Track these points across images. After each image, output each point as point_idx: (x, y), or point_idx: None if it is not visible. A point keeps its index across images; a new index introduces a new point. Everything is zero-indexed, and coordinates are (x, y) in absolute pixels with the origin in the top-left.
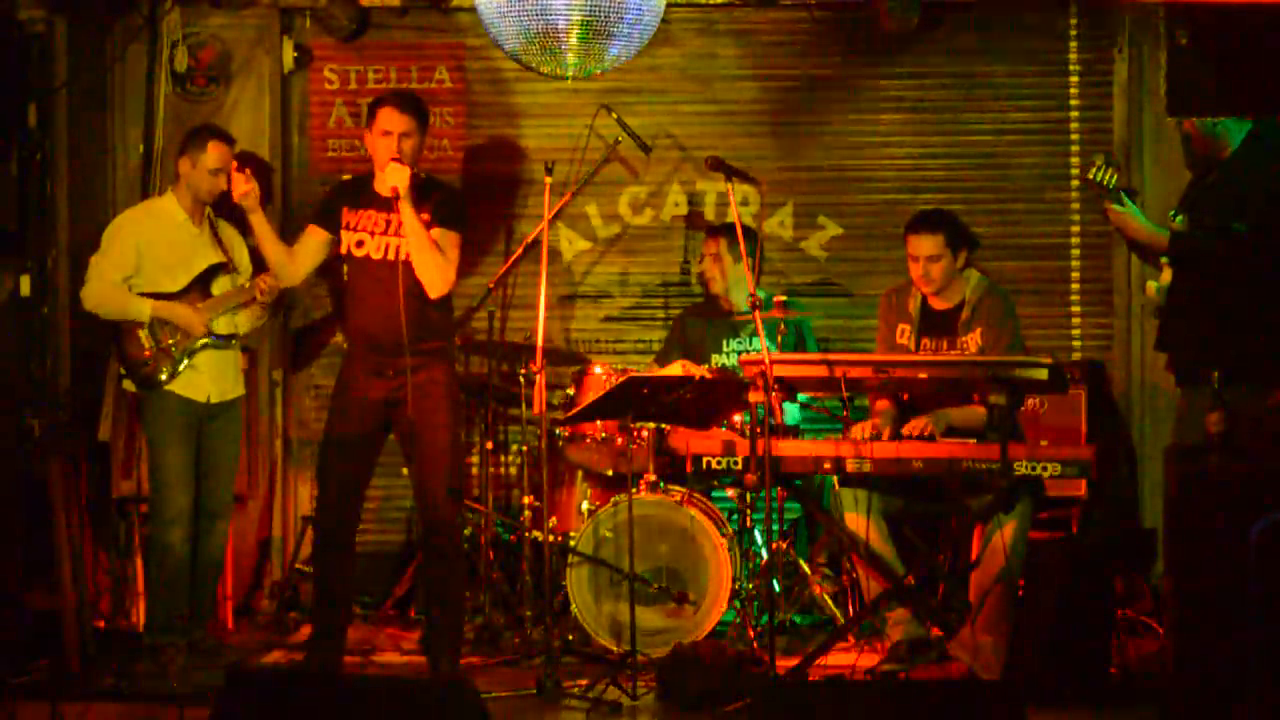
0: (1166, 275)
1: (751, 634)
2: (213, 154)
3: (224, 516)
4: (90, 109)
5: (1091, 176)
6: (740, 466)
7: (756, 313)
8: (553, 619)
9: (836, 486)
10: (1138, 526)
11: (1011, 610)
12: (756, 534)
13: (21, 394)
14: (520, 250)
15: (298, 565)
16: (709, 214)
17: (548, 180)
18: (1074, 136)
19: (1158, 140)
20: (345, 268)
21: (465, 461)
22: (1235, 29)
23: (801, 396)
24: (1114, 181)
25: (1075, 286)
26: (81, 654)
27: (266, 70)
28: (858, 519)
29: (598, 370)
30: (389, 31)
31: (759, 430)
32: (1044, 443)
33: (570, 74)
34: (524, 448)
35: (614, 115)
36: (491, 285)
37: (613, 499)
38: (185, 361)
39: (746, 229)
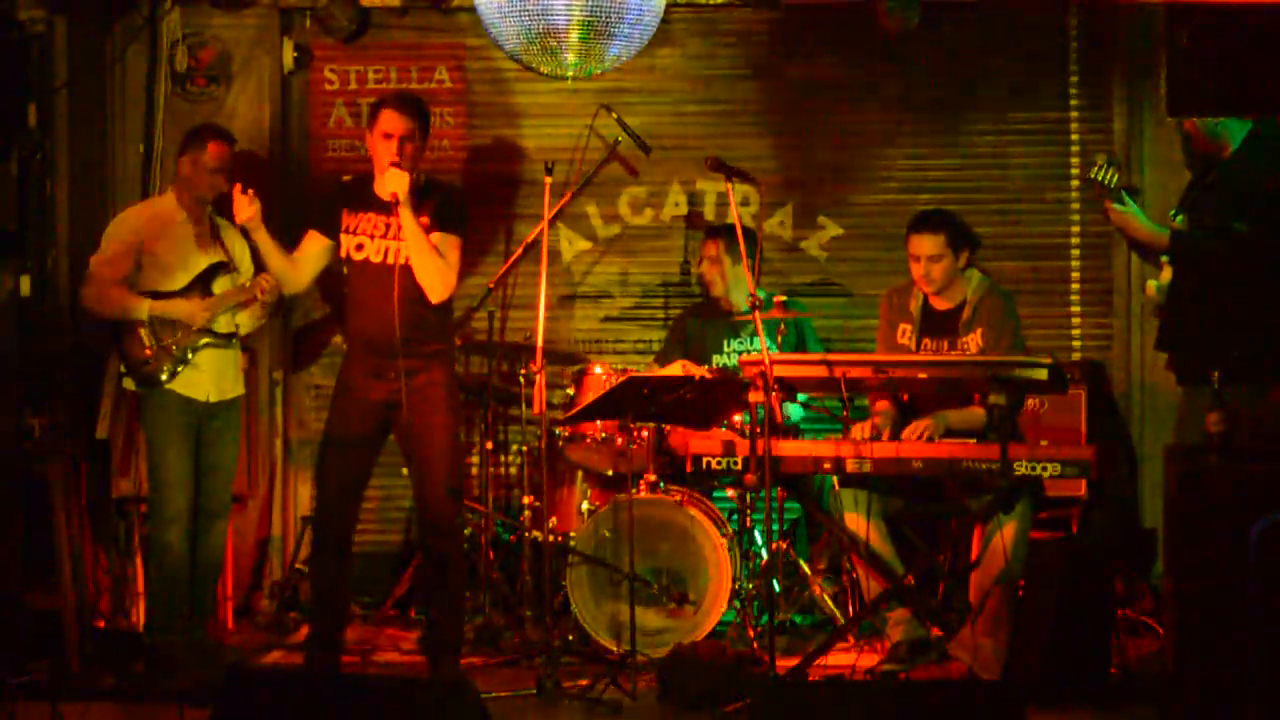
0: (1166, 275)
1: (751, 634)
2: (213, 153)
3: (223, 516)
4: (90, 109)
5: (1093, 176)
6: (740, 466)
7: (756, 313)
8: (553, 619)
9: (836, 486)
10: (1138, 526)
11: (1011, 610)
12: (756, 534)
13: (21, 394)
14: (520, 250)
15: (297, 565)
16: (709, 214)
17: (548, 180)
18: (1074, 136)
19: (1158, 140)
20: (345, 270)
21: (465, 461)
22: (1235, 29)
23: (801, 396)
24: (1115, 181)
25: (1075, 286)
26: (81, 654)
27: (266, 70)
28: (858, 519)
29: (598, 370)
30: (389, 31)
31: (759, 430)
32: (1044, 443)
33: (570, 74)
34: (524, 448)
35: (614, 115)
36: (491, 285)
37: (613, 499)
38: (186, 360)
39: (745, 229)
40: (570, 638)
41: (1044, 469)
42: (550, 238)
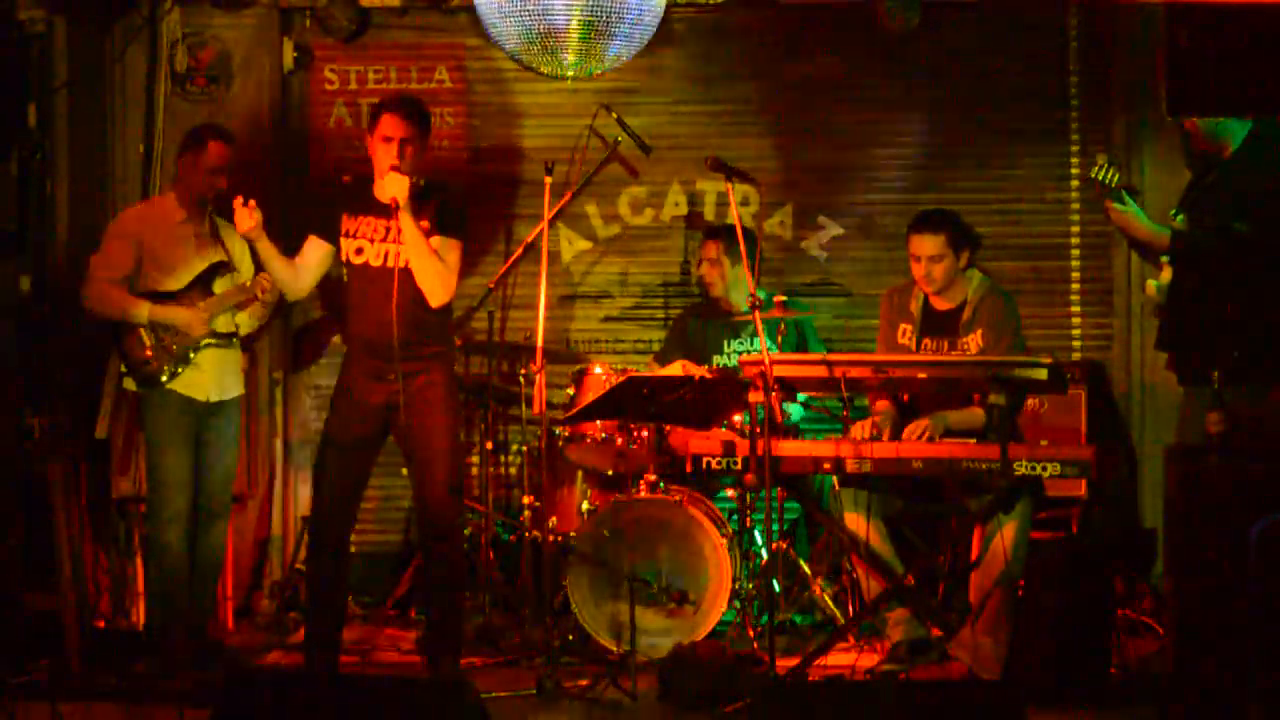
0: (1167, 274)
1: (751, 634)
2: (213, 153)
3: (223, 516)
4: (90, 109)
5: (1093, 175)
6: (740, 466)
7: (756, 313)
8: (553, 619)
9: (836, 486)
10: (1138, 526)
11: (1011, 610)
12: (756, 534)
13: (21, 394)
14: (520, 250)
15: (297, 565)
16: (709, 214)
17: (548, 180)
18: (1074, 136)
19: (1158, 140)
20: (345, 273)
21: (465, 461)
22: (1235, 29)
23: (801, 396)
24: (1115, 180)
25: (1075, 286)
26: (81, 654)
27: (266, 70)
28: (858, 519)
29: (598, 370)
30: (389, 31)
31: (759, 430)
32: (1044, 443)
33: (570, 74)
34: (524, 448)
35: (614, 115)
36: (491, 285)
37: (613, 499)
38: (187, 360)
39: (745, 230)
40: (570, 638)
41: (1044, 469)
42: (550, 238)
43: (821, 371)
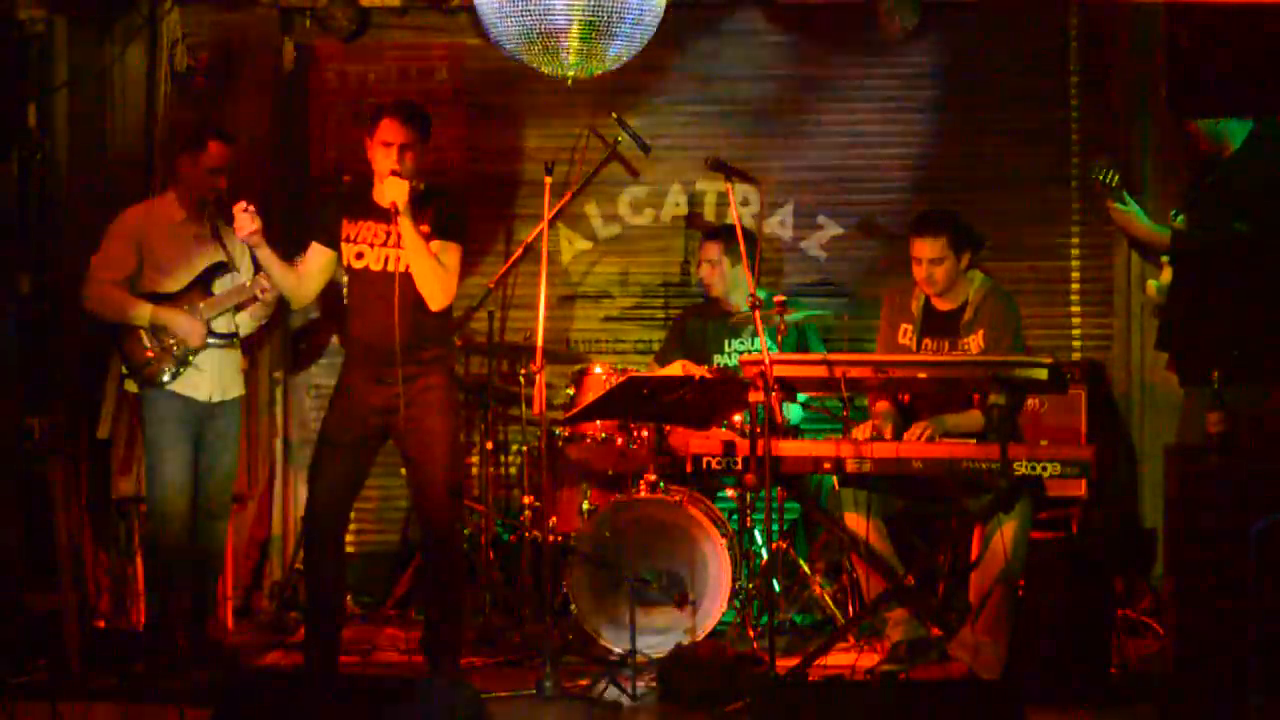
0: (1167, 274)
1: (751, 634)
2: (213, 153)
3: (223, 516)
4: (90, 109)
5: (1094, 175)
6: (740, 466)
7: (756, 313)
8: (553, 619)
9: (836, 486)
10: (1138, 526)
11: (1011, 610)
12: (756, 534)
13: (21, 394)
14: (520, 251)
15: (297, 565)
16: (709, 214)
17: (548, 180)
18: (1074, 136)
19: (1158, 140)
20: (345, 277)
21: (465, 462)
22: (1235, 29)
23: (802, 397)
24: (1116, 181)
25: (1075, 286)
26: (81, 654)
27: (267, 70)
28: (858, 519)
29: (598, 370)
30: (389, 31)
31: (759, 430)
32: (1044, 443)
33: (570, 74)
34: (524, 448)
35: (614, 115)
36: (491, 285)
37: (613, 499)
38: (187, 360)
39: (745, 230)
40: (570, 638)
41: (1044, 469)
42: (550, 238)
43: (821, 371)
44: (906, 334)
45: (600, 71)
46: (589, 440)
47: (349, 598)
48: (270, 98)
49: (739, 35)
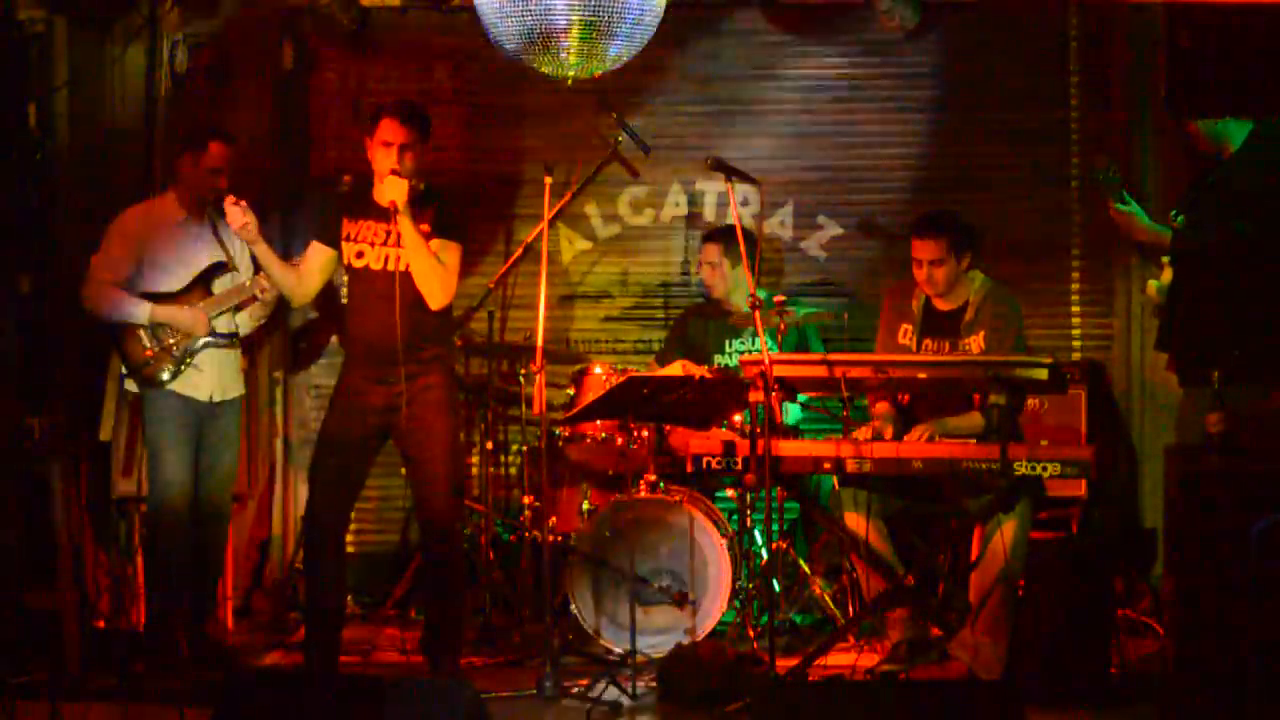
0: (1167, 274)
1: (751, 634)
2: (213, 153)
3: (224, 516)
4: (90, 109)
5: (1096, 176)
6: (740, 466)
7: (756, 313)
8: (553, 619)
9: (836, 486)
10: (1138, 526)
11: (1011, 610)
12: (756, 534)
13: (21, 394)
14: (520, 251)
15: (297, 565)
16: (709, 214)
17: (548, 180)
18: (1074, 136)
19: (1158, 140)
20: (346, 277)
21: (465, 462)
22: (1235, 29)
23: (801, 397)
24: (1118, 181)
25: (1075, 286)
26: (81, 654)
27: (266, 70)
28: (858, 519)
29: (598, 370)
30: (389, 31)
31: (759, 430)
32: (1044, 443)
33: (570, 74)
34: (524, 448)
35: (614, 115)
36: (491, 285)
37: (613, 499)
38: (187, 361)
39: (744, 231)
40: (570, 637)
41: (1044, 469)
42: (550, 238)
43: (821, 371)
44: (907, 334)
45: (600, 71)
46: (589, 440)
47: (349, 598)
48: (270, 98)
49: (739, 35)
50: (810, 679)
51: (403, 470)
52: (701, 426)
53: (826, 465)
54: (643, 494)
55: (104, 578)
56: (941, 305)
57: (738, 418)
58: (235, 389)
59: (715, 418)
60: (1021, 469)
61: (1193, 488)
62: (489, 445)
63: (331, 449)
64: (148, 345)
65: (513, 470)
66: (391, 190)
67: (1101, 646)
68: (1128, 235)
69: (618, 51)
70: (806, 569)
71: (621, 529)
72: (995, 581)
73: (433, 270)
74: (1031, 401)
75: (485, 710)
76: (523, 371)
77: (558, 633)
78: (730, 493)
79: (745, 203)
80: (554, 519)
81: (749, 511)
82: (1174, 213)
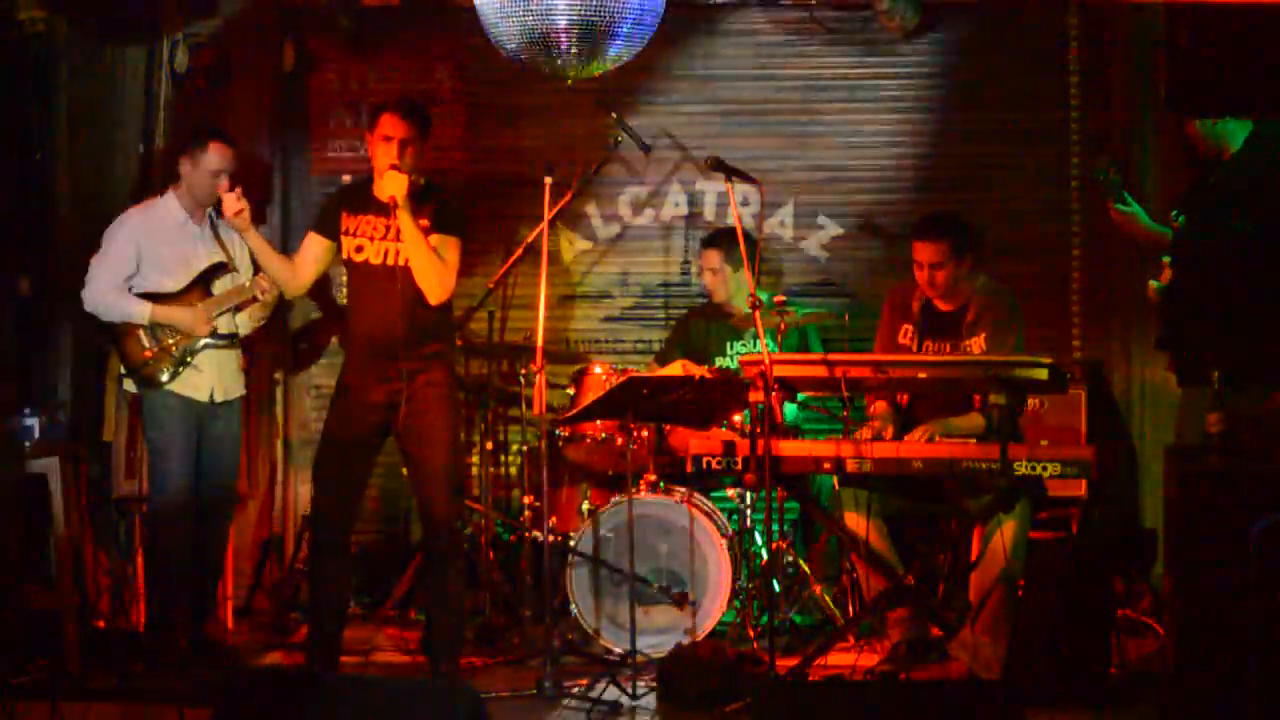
0: (1167, 275)
1: (751, 634)
2: (214, 154)
3: (224, 516)
4: (90, 109)
5: (1097, 175)
6: (740, 466)
7: (756, 313)
8: (553, 619)
9: (836, 486)
10: (1138, 526)
11: (1011, 610)
12: (756, 534)
13: (21, 394)
14: (520, 251)
15: (298, 565)
16: (709, 214)
17: (548, 180)
18: (1074, 136)
19: (1158, 140)
20: (346, 272)
21: (465, 461)
22: (1235, 29)
23: (801, 396)
24: (1118, 181)
25: (1075, 286)
26: (81, 654)
27: (266, 70)
28: (858, 519)
29: (598, 370)
30: (389, 31)
31: (759, 430)
32: (1044, 443)
33: (570, 74)
34: (524, 448)
35: (614, 115)
36: (491, 285)
37: (613, 499)
38: (186, 361)
39: (744, 232)
40: (570, 637)
41: (1044, 469)
42: (550, 238)
43: (821, 371)
44: (907, 334)
45: (600, 71)
46: (589, 440)
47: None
48: (270, 98)
49: (739, 35)
50: (810, 679)
51: (403, 470)
52: (701, 426)
53: (826, 465)
54: (643, 494)
55: (104, 578)
56: (942, 306)
57: (738, 418)
58: (235, 389)
59: (715, 418)
60: (1021, 469)
61: (1193, 488)
62: (489, 445)
63: (334, 448)
64: (147, 345)
65: (513, 470)
66: (391, 185)
67: (1101, 646)
68: (1128, 235)
69: (618, 51)
70: (806, 569)
71: (621, 529)
72: (995, 581)
73: (431, 265)
74: (1031, 402)
75: (485, 710)
76: (523, 371)
77: (558, 633)
78: (730, 493)
79: (745, 203)
80: (554, 519)
81: (749, 511)
82: (1174, 213)
